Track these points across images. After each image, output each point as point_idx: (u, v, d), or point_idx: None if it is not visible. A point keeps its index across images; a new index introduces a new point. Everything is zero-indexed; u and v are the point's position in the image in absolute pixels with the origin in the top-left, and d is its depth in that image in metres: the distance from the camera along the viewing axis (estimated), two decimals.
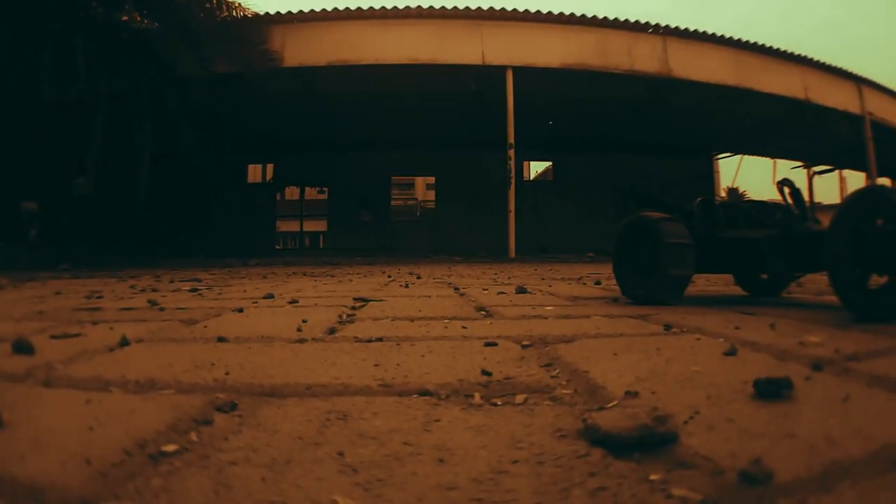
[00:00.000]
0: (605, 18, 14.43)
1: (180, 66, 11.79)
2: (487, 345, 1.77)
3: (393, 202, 24.00)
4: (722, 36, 15.18)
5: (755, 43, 15.48)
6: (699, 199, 3.45)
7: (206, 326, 2.29)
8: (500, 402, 1.20)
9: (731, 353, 1.61)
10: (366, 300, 3.33)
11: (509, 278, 5.93)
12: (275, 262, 12.59)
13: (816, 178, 23.39)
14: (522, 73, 13.74)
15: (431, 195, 24.36)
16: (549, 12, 14.33)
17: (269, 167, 22.26)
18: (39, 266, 9.06)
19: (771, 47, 15.66)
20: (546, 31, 14.20)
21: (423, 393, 1.26)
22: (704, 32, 15.01)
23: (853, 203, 2.35)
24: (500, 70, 13.70)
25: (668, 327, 2.17)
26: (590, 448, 0.91)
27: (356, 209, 20.81)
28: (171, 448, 0.92)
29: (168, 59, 11.72)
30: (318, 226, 25.46)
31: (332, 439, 0.97)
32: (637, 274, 3.15)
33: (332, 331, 2.15)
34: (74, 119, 10.70)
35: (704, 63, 14.85)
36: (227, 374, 1.43)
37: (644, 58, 14.46)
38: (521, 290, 3.85)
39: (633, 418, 0.96)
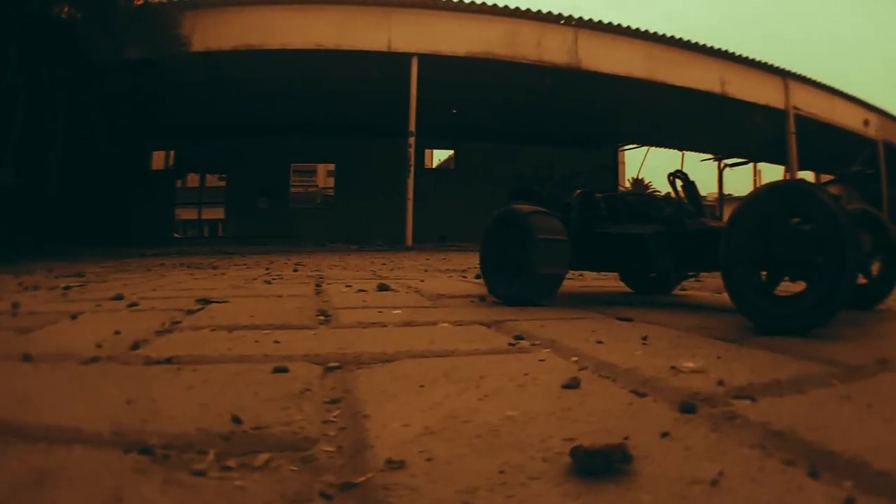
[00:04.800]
0: (517, 9, 14.26)
1: (96, 53, 11.65)
2: (277, 371, 1.42)
3: (293, 189, 23.70)
4: (637, 29, 15.14)
5: (671, 37, 15.49)
6: (578, 191, 3.13)
7: (28, 337, 1.99)
8: (233, 465, 0.88)
9: (571, 385, 1.20)
10: (208, 301, 2.95)
11: (391, 270, 5.67)
12: (171, 252, 12.21)
13: (728, 171, 23.72)
14: (428, 60, 13.53)
15: (332, 182, 24.14)
16: (460, 1, 14.07)
17: (173, 154, 21.74)
18: None
19: (688, 41, 15.69)
20: (455, 20, 13.98)
21: (144, 450, 0.94)
22: (619, 25, 14.96)
23: (765, 196, 2.02)
24: (405, 57, 13.48)
25: (517, 339, 1.79)
26: None
27: (255, 196, 20.39)
28: None
29: (86, 48, 11.61)
30: (219, 213, 24.90)
31: None
32: (505, 272, 2.80)
33: (136, 345, 1.79)
34: None
35: (615, 55, 14.78)
36: None
37: (553, 49, 14.31)
38: (382, 288, 3.44)
39: None
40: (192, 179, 25.30)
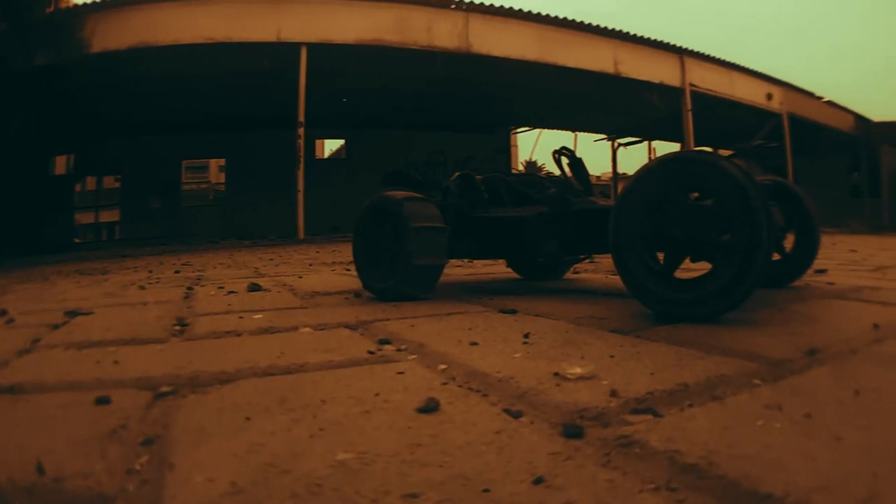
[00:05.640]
0: None
1: (12, 62, 11.70)
2: (99, 402, 1.17)
3: (186, 186, 23.32)
4: (529, 12, 15.00)
5: (563, 18, 15.41)
6: (457, 174, 2.94)
7: None
8: None
9: (429, 408, 0.97)
10: (75, 314, 2.64)
11: (276, 266, 5.43)
12: (70, 258, 11.70)
13: (623, 150, 23.81)
14: (319, 49, 13.24)
15: (224, 178, 23.81)
16: None
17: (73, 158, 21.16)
18: None
19: (581, 22, 15.59)
20: (345, 7, 13.66)
21: None
22: (510, 9, 14.79)
23: (659, 170, 1.84)
24: (294, 47, 13.17)
25: (381, 345, 1.56)
26: None
27: (149, 196, 19.80)
28: None
29: (3, 57, 11.55)
30: (116, 216, 24.24)
31: None
32: (380, 265, 2.58)
33: None
34: None
35: (506, 39, 14.66)
36: None
37: (444, 34, 14.12)
38: (254, 288, 3.14)
39: None
40: (92, 182, 24.68)
